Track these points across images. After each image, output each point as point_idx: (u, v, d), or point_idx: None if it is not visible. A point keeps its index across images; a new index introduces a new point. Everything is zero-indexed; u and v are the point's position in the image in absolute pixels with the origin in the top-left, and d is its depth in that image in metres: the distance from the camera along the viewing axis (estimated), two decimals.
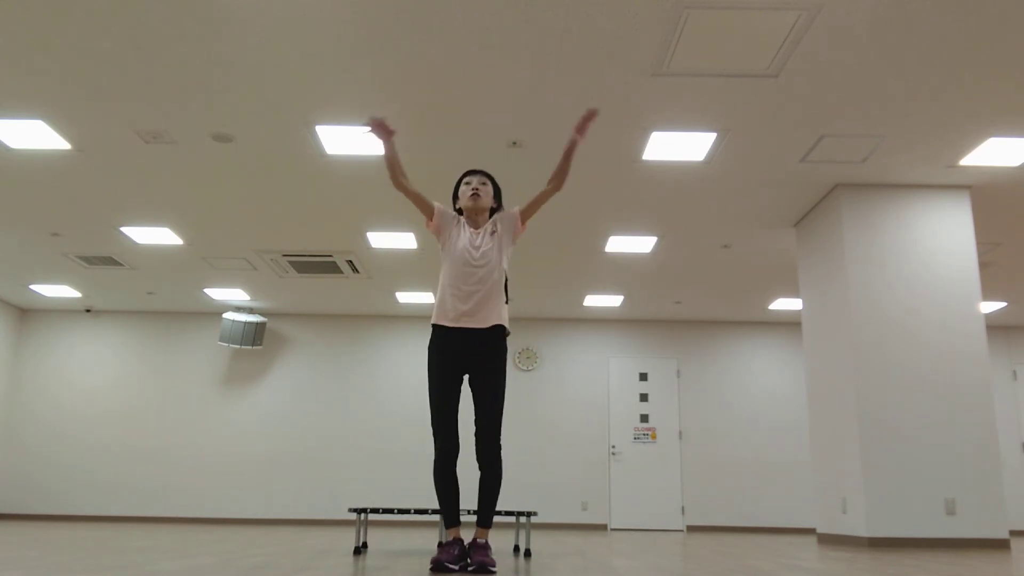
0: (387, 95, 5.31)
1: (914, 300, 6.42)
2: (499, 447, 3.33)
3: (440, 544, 3.81)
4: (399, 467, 10.75)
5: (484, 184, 3.51)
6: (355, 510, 4.86)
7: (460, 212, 3.58)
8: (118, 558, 3.68)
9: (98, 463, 10.80)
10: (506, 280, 3.50)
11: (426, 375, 11.00)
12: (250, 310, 11.04)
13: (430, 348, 3.41)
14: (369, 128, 3.46)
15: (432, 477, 3.61)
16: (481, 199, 3.47)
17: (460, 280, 3.35)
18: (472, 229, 3.48)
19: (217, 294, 10.29)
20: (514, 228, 3.53)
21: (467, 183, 3.52)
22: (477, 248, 3.39)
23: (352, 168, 6.46)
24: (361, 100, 5.38)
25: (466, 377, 3.46)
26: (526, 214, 3.52)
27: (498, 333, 3.38)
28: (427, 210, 3.50)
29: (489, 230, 3.47)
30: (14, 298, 10.73)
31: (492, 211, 3.57)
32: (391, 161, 3.48)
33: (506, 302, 3.45)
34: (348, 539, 6.13)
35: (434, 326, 3.40)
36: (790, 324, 11.37)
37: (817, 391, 6.96)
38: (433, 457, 3.28)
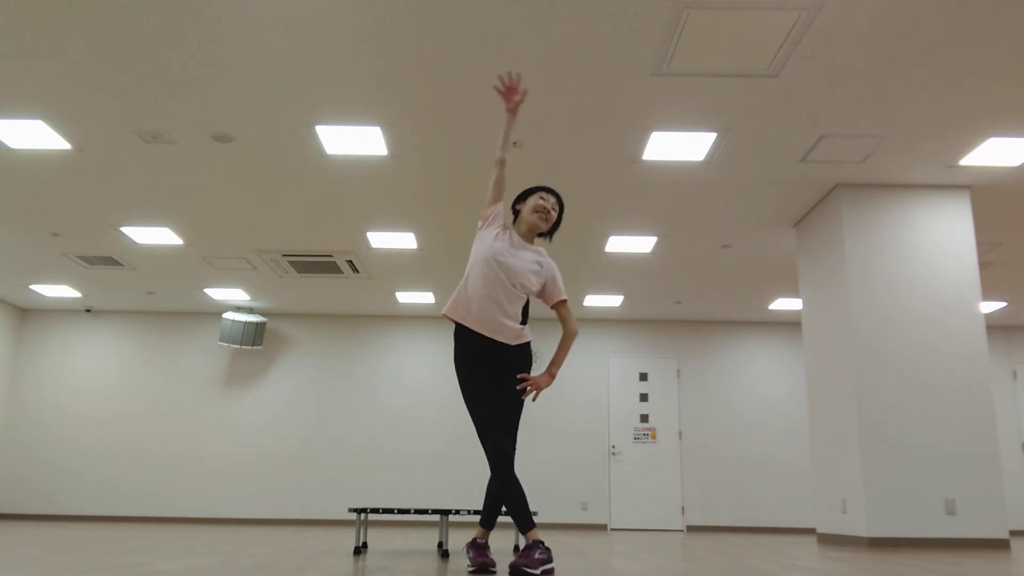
0: (387, 95, 5.31)
1: (914, 300, 6.42)
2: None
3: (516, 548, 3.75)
4: (399, 467, 10.75)
5: (555, 209, 3.45)
6: (355, 510, 4.86)
7: (515, 212, 3.52)
8: (118, 558, 3.68)
9: (98, 463, 10.80)
10: (528, 302, 3.44)
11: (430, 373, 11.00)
12: (250, 310, 11.03)
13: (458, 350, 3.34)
14: (502, 89, 3.38)
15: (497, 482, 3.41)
16: (545, 223, 3.42)
17: (491, 287, 3.26)
18: (518, 238, 3.40)
19: (217, 294, 10.29)
20: (541, 294, 3.43)
21: (543, 198, 3.42)
22: (516, 264, 3.29)
23: (352, 168, 6.46)
24: (361, 100, 5.38)
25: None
26: (558, 307, 3.42)
27: (525, 349, 3.36)
28: (495, 199, 3.43)
29: (535, 260, 3.37)
30: (14, 298, 10.73)
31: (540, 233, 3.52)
32: (508, 135, 3.40)
33: (523, 322, 3.40)
34: (348, 539, 6.13)
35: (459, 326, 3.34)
36: (790, 324, 11.37)
37: (817, 391, 6.96)
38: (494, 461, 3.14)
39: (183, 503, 10.65)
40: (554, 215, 3.44)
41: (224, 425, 10.91)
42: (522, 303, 3.35)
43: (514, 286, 3.28)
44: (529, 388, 3.30)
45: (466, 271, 3.36)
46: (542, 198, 3.43)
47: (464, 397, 3.26)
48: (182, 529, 7.73)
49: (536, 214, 3.40)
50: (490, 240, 3.33)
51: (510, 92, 3.39)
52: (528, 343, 3.38)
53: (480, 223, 3.46)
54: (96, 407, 11.00)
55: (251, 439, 10.87)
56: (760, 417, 11.02)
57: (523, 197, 3.50)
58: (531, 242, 3.46)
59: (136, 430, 10.91)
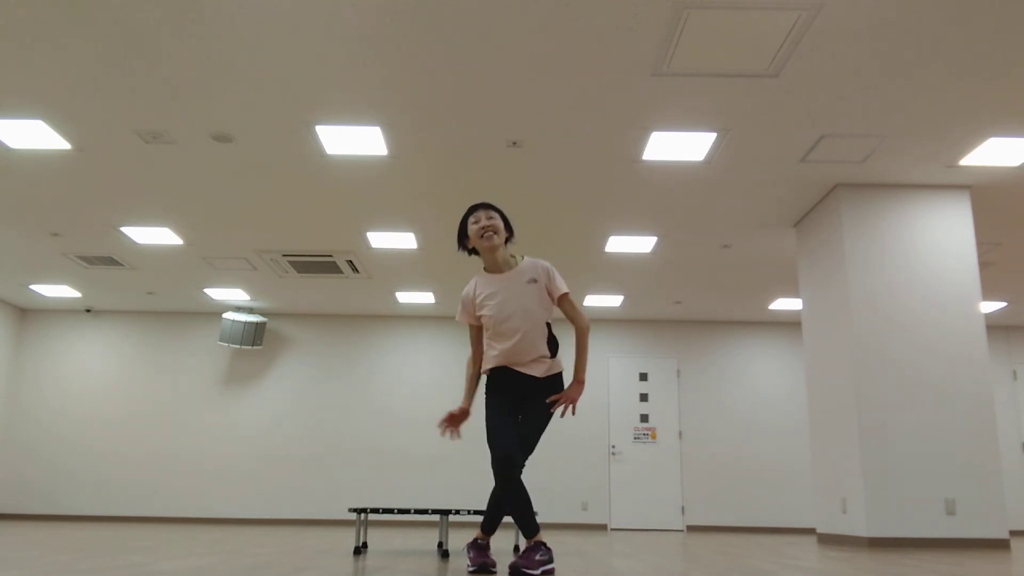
0: (387, 95, 5.32)
1: (914, 300, 6.42)
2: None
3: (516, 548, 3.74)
4: (399, 467, 10.75)
5: (492, 219, 3.24)
6: (355, 510, 4.86)
7: (469, 251, 3.38)
8: (118, 558, 3.68)
9: (98, 463, 10.80)
10: (551, 331, 3.30)
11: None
12: (250, 310, 11.03)
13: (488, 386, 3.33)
14: (447, 431, 3.34)
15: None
16: (495, 237, 3.22)
17: (510, 339, 3.20)
18: (494, 276, 3.28)
19: (217, 294, 10.29)
20: (548, 295, 3.30)
21: (475, 221, 3.25)
22: (514, 302, 3.20)
23: (352, 168, 6.46)
24: (361, 100, 5.38)
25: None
26: (562, 302, 3.29)
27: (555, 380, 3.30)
28: (474, 325, 3.36)
29: (527, 280, 3.25)
30: (14, 298, 10.73)
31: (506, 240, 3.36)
32: (475, 382, 3.40)
33: (553, 355, 3.28)
34: (348, 539, 6.13)
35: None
36: (790, 324, 11.37)
37: (817, 391, 6.96)
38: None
39: (183, 503, 10.65)
40: (497, 222, 3.25)
41: (224, 425, 10.91)
42: (544, 336, 3.25)
43: (528, 320, 3.20)
44: (563, 403, 3.24)
45: (485, 339, 3.31)
46: (474, 221, 3.27)
47: (485, 416, 3.22)
48: (182, 529, 7.73)
49: (482, 239, 3.23)
50: (486, 304, 3.25)
51: (456, 420, 3.33)
52: (559, 374, 3.30)
53: (474, 319, 3.35)
54: (96, 407, 10.99)
55: (251, 439, 10.86)
56: (760, 417, 11.02)
57: (463, 236, 3.36)
58: (502, 266, 3.29)
59: (136, 430, 10.91)
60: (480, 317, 3.30)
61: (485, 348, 3.31)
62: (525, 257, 3.36)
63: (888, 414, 6.17)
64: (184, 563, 3.39)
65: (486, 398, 3.28)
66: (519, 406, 3.26)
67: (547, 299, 3.27)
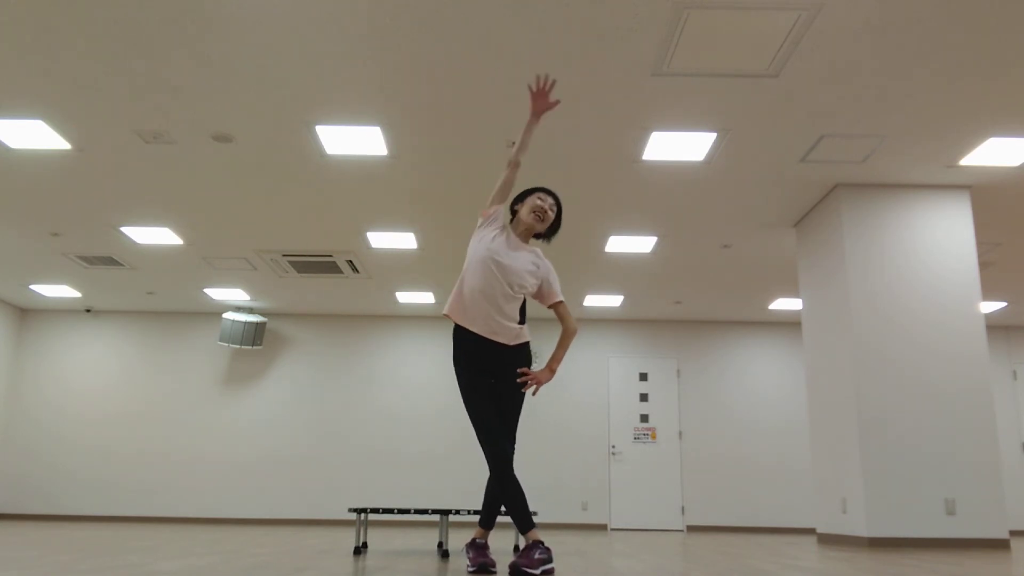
0: (387, 95, 5.32)
1: (914, 300, 6.42)
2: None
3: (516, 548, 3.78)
4: (399, 467, 10.75)
5: (552, 210, 3.44)
6: (355, 510, 4.86)
7: (511, 212, 3.54)
8: (118, 558, 3.68)
9: (98, 463, 10.80)
10: (524, 302, 3.43)
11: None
12: (250, 310, 11.03)
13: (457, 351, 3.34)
14: (533, 90, 3.40)
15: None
16: (541, 224, 3.42)
17: (487, 287, 3.26)
18: (515, 239, 3.41)
19: (217, 294, 10.29)
20: (537, 295, 3.44)
21: (541, 199, 3.43)
22: (513, 264, 3.29)
23: (352, 168, 6.46)
24: (361, 100, 5.38)
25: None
26: (556, 307, 3.43)
27: (524, 349, 3.37)
28: (499, 200, 3.43)
29: (532, 261, 3.38)
30: (14, 298, 10.73)
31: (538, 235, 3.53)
32: (526, 139, 3.41)
33: (521, 322, 3.40)
34: (348, 539, 6.13)
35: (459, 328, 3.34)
36: (790, 324, 11.37)
37: (817, 391, 6.96)
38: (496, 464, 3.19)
39: (183, 503, 10.65)
40: (551, 215, 3.44)
41: (224, 425, 10.91)
42: (519, 303, 3.34)
43: (511, 286, 3.27)
44: (529, 382, 3.31)
45: (463, 270, 3.36)
46: (540, 199, 3.43)
47: (463, 398, 3.27)
48: (182, 529, 7.73)
49: (533, 214, 3.40)
50: (488, 240, 3.33)
51: (540, 95, 3.41)
52: (527, 343, 3.38)
53: (480, 220, 3.45)
54: (96, 407, 10.99)
55: (251, 439, 10.86)
56: (760, 417, 11.02)
57: (522, 197, 3.51)
58: (527, 243, 3.47)
59: (136, 430, 10.91)
60: (482, 229, 3.39)
61: (457, 284, 3.35)
62: (540, 251, 3.53)
63: (888, 414, 6.17)
64: (184, 563, 3.39)
65: (458, 371, 3.30)
66: (494, 380, 3.31)
67: (530, 288, 3.38)
